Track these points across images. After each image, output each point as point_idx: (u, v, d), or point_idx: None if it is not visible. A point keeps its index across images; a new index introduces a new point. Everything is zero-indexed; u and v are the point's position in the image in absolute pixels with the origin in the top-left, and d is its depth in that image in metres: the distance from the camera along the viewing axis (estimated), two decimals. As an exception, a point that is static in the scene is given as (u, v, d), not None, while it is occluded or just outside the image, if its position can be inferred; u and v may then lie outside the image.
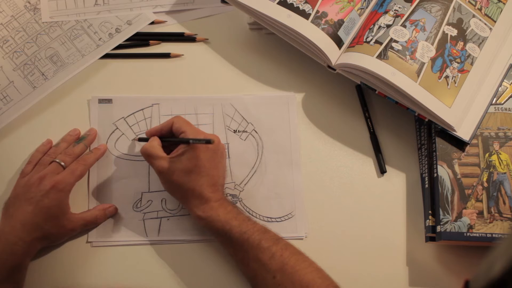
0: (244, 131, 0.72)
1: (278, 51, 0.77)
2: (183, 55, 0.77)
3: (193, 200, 0.62)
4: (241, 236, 0.60)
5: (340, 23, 0.70)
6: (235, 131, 0.72)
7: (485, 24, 0.72)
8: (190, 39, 0.78)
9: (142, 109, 0.72)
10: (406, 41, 0.68)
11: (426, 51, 0.68)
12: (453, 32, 0.70)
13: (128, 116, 0.72)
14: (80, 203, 0.68)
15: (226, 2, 0.72)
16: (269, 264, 0.58)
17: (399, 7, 0.70)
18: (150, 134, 0.67)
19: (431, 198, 0.66)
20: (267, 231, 0.62)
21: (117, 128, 0.72)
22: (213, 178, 0.63)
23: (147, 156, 0.64)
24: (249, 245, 0.60)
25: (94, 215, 0.66)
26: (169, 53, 0.76)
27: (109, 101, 0.72)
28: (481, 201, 0.64)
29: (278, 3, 0.69)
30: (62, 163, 0.65)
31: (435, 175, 0.66)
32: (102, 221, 0.67)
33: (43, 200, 0.61)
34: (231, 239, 0.61)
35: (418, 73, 0.66)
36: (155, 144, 0.65)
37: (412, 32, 0.68)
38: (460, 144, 0.67)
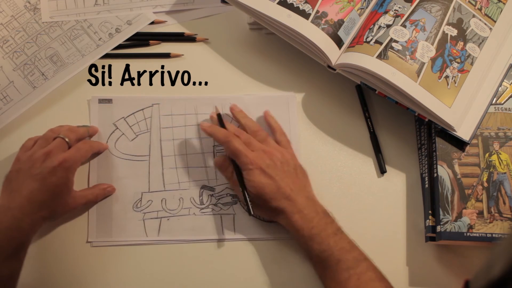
0: None
1: (278, 51, 0.77)
2: (183, 55, 0.77)
3: (280, 215, 0.63)
4: (321, 253, 0.60)
5: (340, 23, 0.70)
6: None
7: (485, 24, 0.72)
8: (190, 39, 0.78)
9: (142, 109, 0.72)
10: (406, 41, 0.68)
11: (426, 51, 0.68)
12: (453, 32, 0.70)
13: (128, 116, 0.72)
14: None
15: (226, 2, 0.72)
16: (345, 287, 0.58)
17: (399, 7, 0.70)
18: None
19: (431, 198, 0.66)
20: (349, 251, 0.60)
21: (117, 128, 0.72)
22: (286, 189, 0.63)
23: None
24: (328, 264, 0.60)
25: (95, 194, 0.67)
26: (169, 53, 0.76)
27: (109, 101, 0.72)
28: (481, 201, 0.64)
29: (278, 3, 0.69)
30: (67, 139, 0.64)
31: (435, 175, 0.66)
32: (101, 199, 0.68)
33: (50, 178, 0.60)
34: (311, 255, 0.62)
35: (418, 73, 0.66)
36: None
37: (412, 32, 0.68)
38: (460, 144, 0.67)
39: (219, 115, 0.69)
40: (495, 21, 0.73)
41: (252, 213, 0.63)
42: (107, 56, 0.76)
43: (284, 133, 0.69)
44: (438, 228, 0.64)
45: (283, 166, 0.64)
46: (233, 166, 0.66)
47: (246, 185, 0.64)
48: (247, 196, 0.64)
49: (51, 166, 0.60)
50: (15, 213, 0.58)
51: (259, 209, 0.65)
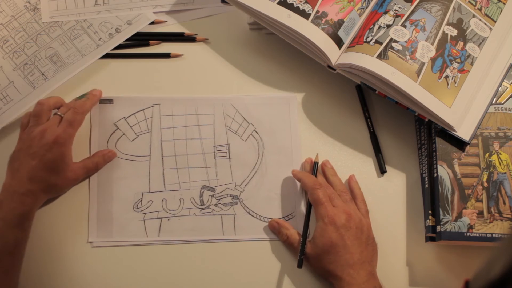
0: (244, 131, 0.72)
1: (278, 51, 0.77)
2: (183, 55, 0.77)
3: (333, 280, 0.62)
4: None
5: (340, 23, 0.70)
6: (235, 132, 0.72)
7: (485, 24, 0.72)
8: (190, 39, 0.78)
9: (143, 109, 0.72)
10: (406, 41, 0.68)
11: (426, 51, 0.68)
12: (453, 32, 0.70)
13: (129, 116, 0.72)
14: (80, 202, 0.68)
15: (226, 2, 0.72)
16: None
17: (399, 7, 0.70)
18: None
19: (431, 198, 0.66)
20: None
21: (118, 128, 0.72)
22: (352, 256, 0.61)
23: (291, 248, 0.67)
24: None
25: (94, 162, 0.68)
26: (169, 53, 0.76)
27: (110, 101, 0.72)
28: (481, 201, 0.64)
29: (278, 3, 0.69)
30: (64, 116, 0.65)
31: (435, 175, 0.66)
32: (102, 166, 0.69)
33: (47, 155, 0.62)
34: None
35: (418, 73, 0.66)
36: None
37: (412, 32, 0.68)
38: (460, 144, 0.67)
39: (315, 163, 0.69)
40: (495, 21, 0.73)
41: (301, 266, 0.63)
42: (107, 56, 0.76)
43: (365, 202, 0.68)
44: (438, 228, 0.64)
45: (357, 232, 0.63)
46: (306, 215, 0.66)
47: (314, 237, 0.64)
48: (304, 248, 0.64)
49: (46, 144, 0.62)
50: (17, 189, 0.62)
51: (315, 265, 0.64)
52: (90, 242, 0.67)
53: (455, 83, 0.67)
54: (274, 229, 0.68)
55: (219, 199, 0.69)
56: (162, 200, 0.69)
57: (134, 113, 0.72)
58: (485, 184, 0.65)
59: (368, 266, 0.62)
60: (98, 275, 0.66)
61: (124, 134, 0.71)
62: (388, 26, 0.69)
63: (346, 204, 0.65)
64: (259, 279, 0.67)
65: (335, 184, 0.68)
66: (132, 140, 0.71)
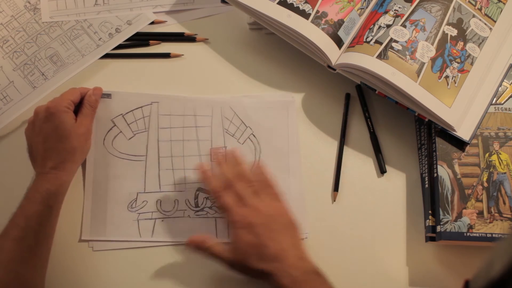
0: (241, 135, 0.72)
1: (278, 51, 0.77)
2: (183, 55, 0.77)
3: (265, 278, 0.60)
4: None
5: (340, 23, 0.70)
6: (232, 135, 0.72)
7: (485, 24, 0.72)
8: (190, 39, 0.78)
9: (141, 107, 0.72)
10: (406, 41, 0.68)
11: (426, 51, 0.68)
12: (453, 32, 0.70)
13: (126, 113, 0.72)
14: (75, 201, 0.68)
15: (226, 2, 0.72)
16: None
17: (399, 7, 0.70)
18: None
19: (431, 198, 0.66)
20: None
21: (115, 125, 0.71)
22: (274, 249, 0.59)
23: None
24: None
25: (87, 106, 0.68)
26: (169, 53, 0.76)
27: (108, 95, 0.72)
28: (481, 201, 0.64)
29: (278, 3, 0.69)
30: None
31: (435, 175, 0.66)
32: (97, 105, 0.69)
33: (46, 125, 0.64)
34: None
35: (418, 73, 0.66)
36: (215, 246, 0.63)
37: (412, 32, 0.68)
38: (460, 144, 0.67)
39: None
40: (495, 21, 0.73)
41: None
42: (107, 56, 0.76)
43: (273, 185, 0.65)
44: (438, 228, 0.64)
45: (271, 224, 0.61)
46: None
47: (232, 242, 0.61)
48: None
49: (42, 119, 0.65)
50: (40, 170, 0.64)
51: (243, 270, 0.61)
52: (83, 240, 0.66)
53: (455, 83, 0.67)
54: (194, 246, 0.63)
55: (214, 202, 0.69)
56: (156, 201, 0.69)
57: (132, 110, 0.72)
58: (485, 184, 0.65)
59: (295, 251, 0.60)
60: (89, 276, 0.66)
61: (121, 131, 0.71)
62: (388, 26, 0.69)
63: (255, 198, 0.62)
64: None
65: (243, 175, 0.64)
66: (129, 139, 0.71)
